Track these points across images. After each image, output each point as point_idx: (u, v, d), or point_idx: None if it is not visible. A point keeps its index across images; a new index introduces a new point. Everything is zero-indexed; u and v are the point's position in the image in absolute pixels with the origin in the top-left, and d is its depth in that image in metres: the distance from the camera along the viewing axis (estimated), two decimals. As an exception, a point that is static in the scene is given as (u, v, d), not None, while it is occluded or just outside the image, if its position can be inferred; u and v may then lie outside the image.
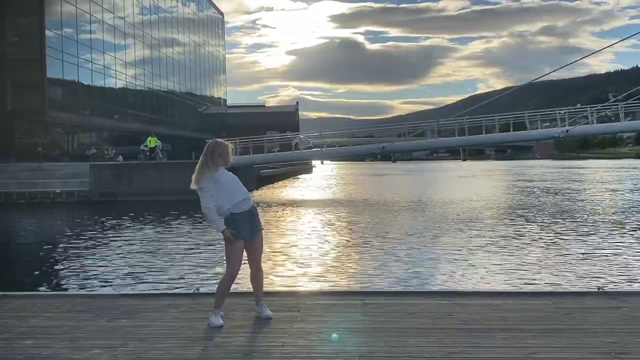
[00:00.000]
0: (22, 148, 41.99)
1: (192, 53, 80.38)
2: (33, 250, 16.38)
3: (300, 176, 70.21)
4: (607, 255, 13.31)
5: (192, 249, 15.34)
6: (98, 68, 51.97)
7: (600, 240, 15.76)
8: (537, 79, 45.81)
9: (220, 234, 5.42)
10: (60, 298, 6.83)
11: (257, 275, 5.65)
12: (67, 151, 46.19)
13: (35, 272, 12.73)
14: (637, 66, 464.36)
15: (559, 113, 36.33)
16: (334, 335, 5.04)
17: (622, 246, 14.65)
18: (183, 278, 11.50)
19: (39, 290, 9.90)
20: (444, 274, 11.55)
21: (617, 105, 35.79)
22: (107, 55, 53.60)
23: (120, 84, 57.14)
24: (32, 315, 5.77)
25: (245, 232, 5.43)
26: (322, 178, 67.33)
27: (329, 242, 16.23)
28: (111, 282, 11.39)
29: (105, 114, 52.81)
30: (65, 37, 46.39)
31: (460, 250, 14.33)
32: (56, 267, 13.26)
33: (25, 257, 15.48)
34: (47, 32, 44.07)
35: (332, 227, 19.96)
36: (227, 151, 5.51)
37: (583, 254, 13.58)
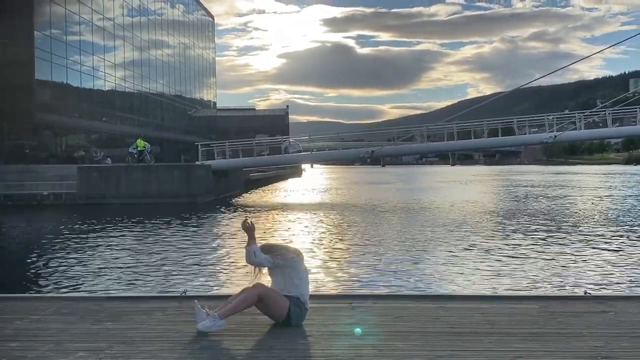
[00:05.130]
0: (10, 150, 41.76)
1: (181, 55, 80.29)
2: (19, 253, 16.28)
3: (289, 179, 70.21)
4: (594, 260, 13.38)
5: (179, 251, 15.27)
6: (87, 70, 51.82)
7: (587, 244, 15.85)
8: (525, 84, 46.12)
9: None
10: (45, 300, 6.77)
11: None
12: (55, 153, 45.99)
13: (21, 275, 12.64)
14: (625, 73, 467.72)
15: (547, 118, 36.57)
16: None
17: (609, 250, 14.73)
18: (170, 281, 11.45)
19: (24, 293, 9.82)
20: (432, 278, 11.57)
21: (605, 111, 36.08)
22: (95, 57, 53.45)
23: (109, 85, 56.99)
24: (17, 318, 5.70)
25: None
26: (312, 181, 67.34)
27: (317, 245, 16.22)
28: (97, 284, 11.32)
29: (93, 116, 52.64)
30: (53, 38, 46.20)
31: (448, 253, 14.37)
32: (42, 269, 13.17)
33: (11, 259, 15.36)
34: (36, 34, 43.89)
35: (321, 230, 19.97)
36: None
37: (570, 258, 13.65)
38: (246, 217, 5.69)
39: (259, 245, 5.59)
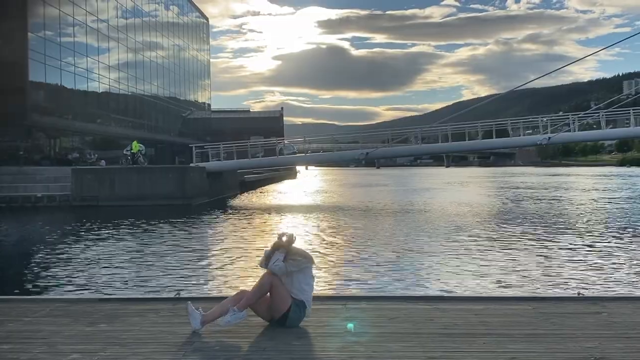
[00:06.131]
0: (4, 152, 41.56)
1: (176, 57, 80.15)
2: (12, 255, 16.22)
3: (284, 181, 70.18)
4: (587, 261, 13.42)
5: (173, 253, 15.24)
6: (80, 71, 51.63)
7: (581, 245, 15.89)
8: (519, 86, 46.22)
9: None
10: (39, 302, 6.74)
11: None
12: (49, 155, 45.80)
13: (14, 277, 12.59)
14: (619, 74, 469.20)
15: (541, 120, 36.64)
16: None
17: (602, 251, 14.78)
18: (164, 282, 11.43)
19: (17, 295, 9.78)
20: (426, 279, 11.58)
21: (599, 113, 36.18)
22: (89, 59, 53.28)
23: (103, 87, 56.80)
24: (10, 320, 5.69)
25: None
26: (306, 183, 67.32)
27: (311, 247, 16.20)
28: (91, 286, 11.29)
29: (87, 118, 52.47)
30: (47, 40, 46.05)
31: (441, 255, 14.38)
32: (35, 271, 13.12)
33: (5, 262, 15.29)
34: (29, 35, 43.73)
35: (315, 231, 19.95)
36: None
37: (563, 259, 13.69)
38: (293, 234, 5.75)
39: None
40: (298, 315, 5.42)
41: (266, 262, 5.58)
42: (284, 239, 5.66)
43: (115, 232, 20.01)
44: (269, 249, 5.70)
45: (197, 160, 37.90)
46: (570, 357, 4.56)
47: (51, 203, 30.96)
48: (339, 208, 30.95)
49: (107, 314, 5.90)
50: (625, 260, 13.57)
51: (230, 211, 29.40)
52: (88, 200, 31.01)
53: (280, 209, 30.69)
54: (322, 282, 11.38)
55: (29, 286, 11.57)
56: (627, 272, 12.17)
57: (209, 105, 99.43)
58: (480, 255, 14.41)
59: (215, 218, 25.75)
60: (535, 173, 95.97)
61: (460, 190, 48.24)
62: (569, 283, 10.99)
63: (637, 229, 19.88)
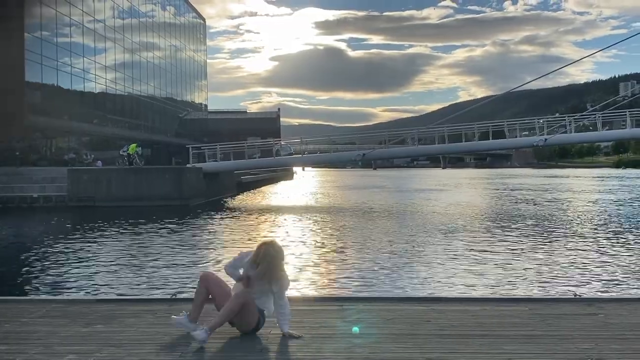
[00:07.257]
0: (0, 152, 41.46)
1: (173, 58, 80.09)
2: (8, 255, 16.16)
3: (281, 182, 70.17)
4: (583, 262, 13.43)
5: (170, 254, 15.22)
6: (77, 72, 51.55)
7: (577, 247, 15.91)
8: (515, 88, 46.42)
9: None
10: (35, 303, 6.73)
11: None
12: (45, 155, 45.70)
13: (11, 277, 12.56)
14: (615, 76, 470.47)
15: (538, 122, 36.71)
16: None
17: (598, 253, 14.80)
18: (160, 283, 11.41)
19: (14, 296, 9.75)
20: (422, 280, 11.58)
21: (595, 114, 36.27)
22: (86, 59, 53.21)
23: (99, 88, 56.72)
24: (6, 321, 5.68)
25: None
26: (303, 184, 67.31)
27: (307, 248, 16.21)
28: (87, 287, 11.26)
29: (84, 118, 52.37)
30: (44, 40, 45.98)
31: (438, 256, 14.38)
32: (32, 272, 13.09)
33: (1, 262, 15.25)
34: (26, 35, 43.66)
35: (311, 232, 19.96)
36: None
37: (559, 260, 13.70)
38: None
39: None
40: (262, 324, 5.33)
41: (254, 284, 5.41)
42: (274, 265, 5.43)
43: (111, 233, 19.97)
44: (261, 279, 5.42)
45: (194, 161, 37.88)
46: (567, 358, 4.57)
47: (47, 203, 30.91)
48: (336, 209, 30.95)
49: (104, 314, 5.89)
50: (621, 261, 13.59)
51: (227, 212, 29.37)
52: (84, 201, 30.97)
53: (276, 210, 30.68)
54: (318, 284, 11.39)
55: (26, 287, 11.55)
56: (623, 273, 12.18)
57: (206, 106, 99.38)
58: (477, 256, 14.41)
59: (212, 219, 25.73)
60: (532, 174, 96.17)
61: (457, 192, 48.27)
62: (565, 284, 11.00)
63: (633, 230, 19.92)
